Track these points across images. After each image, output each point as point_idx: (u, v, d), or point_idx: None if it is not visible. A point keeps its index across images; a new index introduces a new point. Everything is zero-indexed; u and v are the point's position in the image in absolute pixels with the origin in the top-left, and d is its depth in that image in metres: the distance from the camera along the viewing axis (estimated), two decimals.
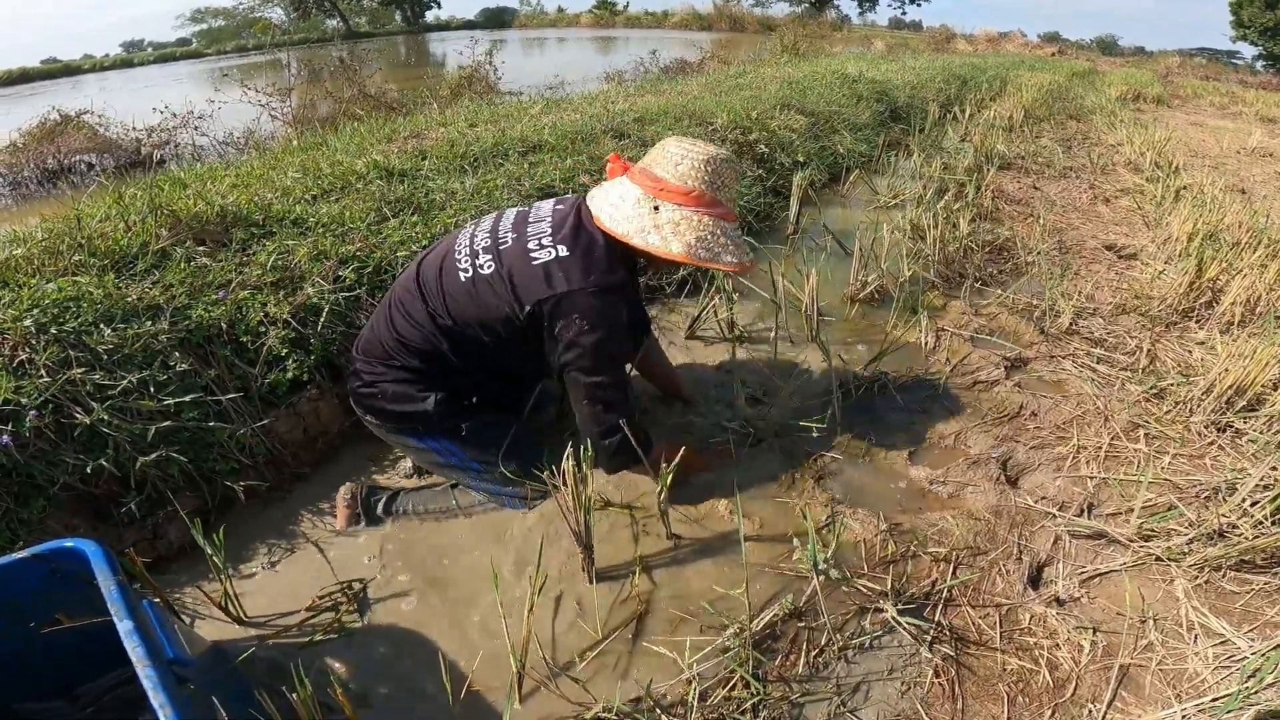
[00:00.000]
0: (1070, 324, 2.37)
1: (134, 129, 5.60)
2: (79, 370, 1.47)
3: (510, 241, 1.36)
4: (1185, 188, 4.01)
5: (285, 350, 1.68)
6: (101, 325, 1.56)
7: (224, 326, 1.68)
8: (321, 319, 1.78)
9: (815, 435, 1.80)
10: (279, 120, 4.81)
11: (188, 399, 1.54)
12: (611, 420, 1.34)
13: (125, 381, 1.49)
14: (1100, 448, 1.80)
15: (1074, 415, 1.91)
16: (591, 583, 1.38)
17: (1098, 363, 2.16)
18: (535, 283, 1.30)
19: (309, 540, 1.56)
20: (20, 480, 1.43)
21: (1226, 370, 1.86)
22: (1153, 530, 1.52)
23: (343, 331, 1.81)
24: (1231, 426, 1.84)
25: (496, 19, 39.35)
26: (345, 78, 5.35)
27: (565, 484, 1.26)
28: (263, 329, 1.71)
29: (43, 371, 1.44)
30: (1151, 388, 2.02)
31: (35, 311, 1.51)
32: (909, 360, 2.17)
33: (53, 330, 1.50)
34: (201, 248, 1.89)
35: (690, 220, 1.32)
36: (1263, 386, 1.83)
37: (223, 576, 1.28)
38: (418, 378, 1.44)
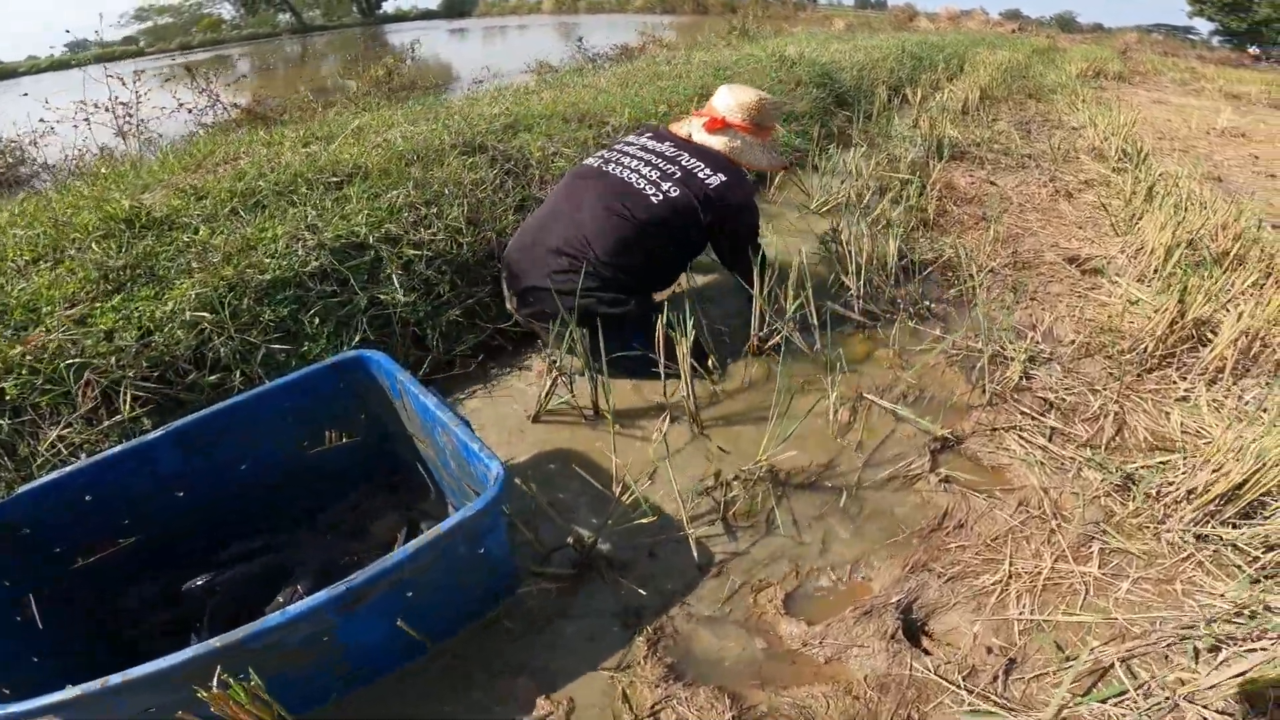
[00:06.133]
0: (1020, 378, 1.89)
1: None
2: None
3: (680, 174, 1.88)
4: (1160, 179, 3.54)
5: None
6: None
7: None
8: None
9: (664, 573, 1.31)
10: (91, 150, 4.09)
11: None
12: (754, 247, 1.99)
13: None
14: (1039, 573, 1.32)
15: (1011, 525, 1.44)
16: None
17: (1050, 438, 1.68)
18: (717, 195, 1.87)
19: None
20: None
21: (1216, 471, 1.39)
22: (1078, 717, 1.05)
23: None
24: (1219, 537, 1.38)
25: (457, 8, 38.03)
26: (198, 88, 4.70)
27: None
28: None
29: None
30: (1116, 470, 1.56)
31: None
32: (811, 446, 1.67)
33: None
34: None
35: (760, 145, 2.08)
36: (1265, 492, 1.36)
37: None
38: (629, 281, 1.81)
